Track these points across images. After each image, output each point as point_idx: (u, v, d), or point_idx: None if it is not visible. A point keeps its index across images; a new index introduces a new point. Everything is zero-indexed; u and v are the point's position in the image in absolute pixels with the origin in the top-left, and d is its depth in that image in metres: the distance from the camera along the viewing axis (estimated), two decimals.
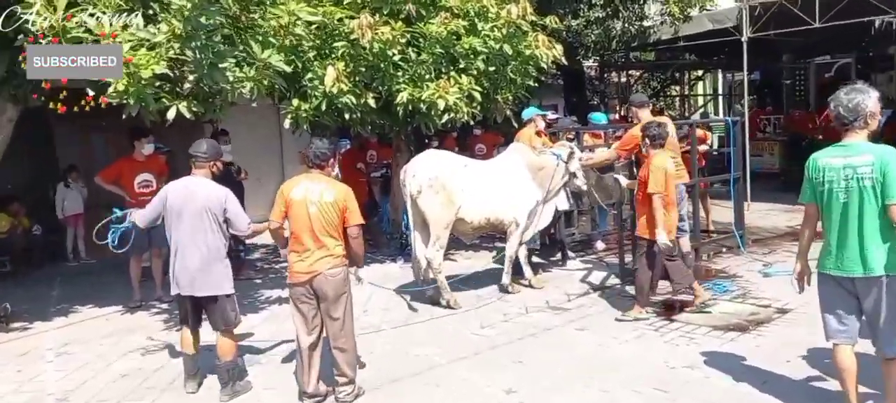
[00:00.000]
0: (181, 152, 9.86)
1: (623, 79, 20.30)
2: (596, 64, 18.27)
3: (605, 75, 20.05)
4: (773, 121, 16.11)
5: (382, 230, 10.21)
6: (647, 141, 6.12)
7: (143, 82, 4.92)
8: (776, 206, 11.94)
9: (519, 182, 7.22)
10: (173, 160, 9.70)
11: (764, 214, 11.34)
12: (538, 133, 8.35)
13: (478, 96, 7.72)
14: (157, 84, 5.20)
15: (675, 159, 6.63)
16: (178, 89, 5.42)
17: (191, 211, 4.72)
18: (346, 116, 7.50)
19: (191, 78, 5.36)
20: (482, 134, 11.68)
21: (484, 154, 10.84)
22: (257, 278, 8.64)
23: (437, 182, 6.76)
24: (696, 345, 5.48)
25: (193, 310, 4.91)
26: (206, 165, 4.90)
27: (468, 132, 11.78)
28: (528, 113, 8.55)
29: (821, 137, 13.64)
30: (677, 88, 20.73)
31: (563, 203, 7.88)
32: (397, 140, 9.38)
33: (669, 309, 6.26)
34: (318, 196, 4.42)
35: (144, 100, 5.06)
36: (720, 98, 21.29)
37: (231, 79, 5.44)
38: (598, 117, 10.54)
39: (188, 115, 5.49)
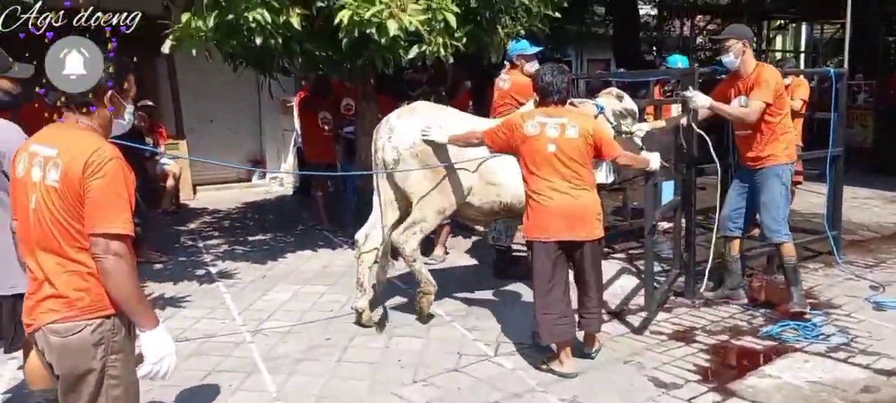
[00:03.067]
0: None
1: (686, 32, 17.34)
2: (654, 10, 15.41)
3: (665, 25, 17.11)
4: (865, 86, 13.32)
5: (347, 204, 7.75)
6: (536, 96, 4.08)
7: None
8: (874, 193, 9.32)
9: None
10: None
11: (860, 204, 8.62)
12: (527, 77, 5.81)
13: (453, 21, 5.25)
14: None
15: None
16: None
17: None
18: (258, 41, 5.13)
19: None
20: None
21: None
22: (159, 261, 6.42)
23: (425, 150, 4.49)
24: None
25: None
26: None
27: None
28: (514, 48, 6.07)
29: None
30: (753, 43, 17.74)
31: (601, 174, 5.41)
32: (363, 85, 6.90)
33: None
34: (42, 173, 2.14)
35: None
36: (802, 57, 18.17)
37: None
38: (676, 60, 7.55)
39: None
